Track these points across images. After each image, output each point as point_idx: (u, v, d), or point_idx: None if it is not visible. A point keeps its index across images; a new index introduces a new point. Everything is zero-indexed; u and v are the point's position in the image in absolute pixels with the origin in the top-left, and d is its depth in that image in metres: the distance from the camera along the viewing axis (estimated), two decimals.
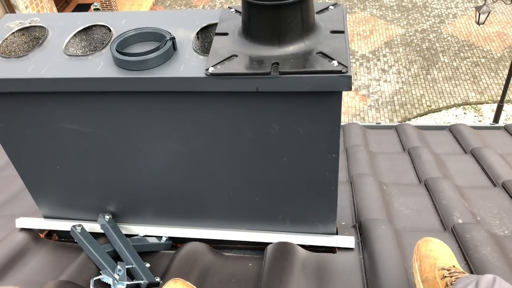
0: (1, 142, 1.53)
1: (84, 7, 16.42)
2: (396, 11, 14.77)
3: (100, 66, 1.32)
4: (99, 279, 1.49)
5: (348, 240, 1.63)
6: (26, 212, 1.94)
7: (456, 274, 1.15)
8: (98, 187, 1.64)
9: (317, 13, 1.39)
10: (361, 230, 1.73)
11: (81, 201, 1.70)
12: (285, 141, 1.40)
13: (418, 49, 13.26)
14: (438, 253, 1.27)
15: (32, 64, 1.35)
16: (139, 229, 1.71)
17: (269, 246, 1.63)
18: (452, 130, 2.89)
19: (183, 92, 1.31)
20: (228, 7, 1.50)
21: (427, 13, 14.57)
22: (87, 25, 1.49)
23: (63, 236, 1.80)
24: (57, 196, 1.69)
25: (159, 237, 1.71)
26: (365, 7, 14.98)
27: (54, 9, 15.76)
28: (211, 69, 1.25)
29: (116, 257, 1.60)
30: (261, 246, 1.67)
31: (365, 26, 14.08)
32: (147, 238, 1.69)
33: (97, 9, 15.21)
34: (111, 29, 1.47)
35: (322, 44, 1.28)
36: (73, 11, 16.39)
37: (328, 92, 1.25)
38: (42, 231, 1.79)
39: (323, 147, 1.39)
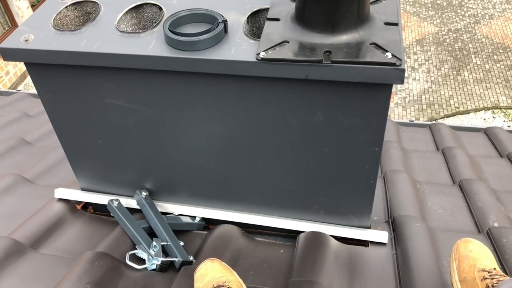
0: (48, 112, 1.56)
1: None
2: (430, 8, 14.46)
3: (152, 44, 1.33)
4: (134, 253, 1.52)
5: (381, 235, 1.62)
6: (62, 184, 1.99)
7: (498, 276, 1.13)
8: (137, 163, 1.66)
9: (371, 3, 1.37)
10: (394, 226, 1.72)
11: (119, 176, 1.73)
12: (328, 131, 1.39)
13: (450, 49, 12.98)
14: (478, 254, 1.26)
15: (85, 38, 1.37)
16: (174, 208, 1.73)
17: (302, 235, 1.63)
18: (488, 132, 2.84)
19: (231, 75, 1.31)
20: None
21: (462, 13, 14.22)
22: (139, 3, 1.50)
23: (99, 209, 1.84)
24: (97, 169, 1.72)
25: (193, 217, 1.73)
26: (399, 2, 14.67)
27: None
28: (262, 54, 1.25)
29: (151, 234, 1.63)
30: (292, 234, 1.67)
31: None
32: (181, 217, 1.72)
33: None
34: (163, 8, 1.48)
35: (376, 35, 1.26)
36: None
37: (379, 84, 1.24)
38: (79, 202, 1.83)
39: (367, 140, 1.38)
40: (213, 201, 1.71)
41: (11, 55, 1.38)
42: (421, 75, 12.18)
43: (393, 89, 11.71)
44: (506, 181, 2.19)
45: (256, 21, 1.49)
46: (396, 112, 11.33)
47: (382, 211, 1.87)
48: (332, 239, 1.62)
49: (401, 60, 1.18)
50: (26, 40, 1.38)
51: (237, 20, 1.41)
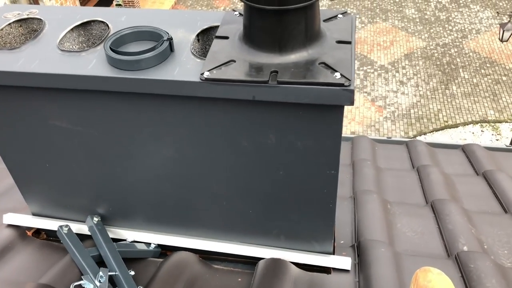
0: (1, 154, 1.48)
1: (107, 2, 16.56)
2: (418, 23, 14.59)
3: (92, 63, 1.26)
4: (79, 284, 1.43)
5: (344, 261, 1.55)
6: (17, 208, 1.89)
7: None
8: (87, 187, 1.58)
9: (324, 21, 1.32)
10: (359, 250, 1.64)
11: (70, 200, 1.64)
12: (282, 153, 1.32)
13: (438, 63, 13.06)
14: (437, 285, 1.18)
15: (23, 57, 1.30)
16: (128, 234, 1.65)
17: (261, 262, 1.55)
18: (465, 149, 2.78)
19: (176, 96, 1.24)
20: (232, 10, 1.43)
21: (450, 27, 14.36)
22: (85, 20, 1.44)
23: (52, 235, 1.75)
24: (46, 194, 1.64)
25: (148, 244, 1.64)
26: (387, 17, 14.83)
27: (77, 2, 15.93)
28: (206, 74, 1.18)
29: (101, 262, 1.54)
30: (253, 261, 1.59)
31: (386, 37, 13.94)
32: (135, 244, 1.63)
33: (119, 5, 15.33)
34: (109, 25, 1.41)
35: (326, 54, 1.20)
36: (95, 5, 16.54)
37: (329, 105, 1.17)
38: (29, 228, 1.74)
39: (322, 162, 1.31)
40: (169, 226, 1.63)
41: None
42: (409, 89, 12.21)
43: (382, 103, 11.73)
44: (480, 201, 2.13)
45: (209, 39, 1.43)
46: (385, 126, 11.32)
47: (350, 234, 1.80)
48: (293, 266, 1.54)
49: (350, 80, 1.12)
50: None
51: (186, 38, 1.35)
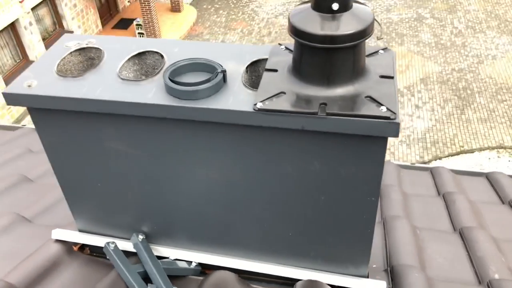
0: (48, 155, 1.58)
1: (127, 22, 16.98)
2: (434, 48, 14.69)
3: (152, 92, 1.36)
4: None
5: (379, 285, 1.60)
6: (61, 223, 1.98)
7: None
8: (134, 206, 1.67)
9: (367, 56, 1.41)
10: (393, 275, 1.70)
11: (117, 218, 1.73)
12: (324, 180, 1.40)
13: (454, 88, 13.10)
14: None
15: (87, 85, 1.40)
16: (170, 252, 1.72)
17: (298, 283, 1.61)
18: (489, 177, 2.82)
19: (229, 124, 1.33)
20: (279, 44, 1.53)
21: (466, 53, 14.42)
22: (141, 51, 1.54)
23: (95, 251, 1.83)
24: (95, 211, 1.73)
25: (189, 262, 1.71)
26: (403, 42, 14.96)
27: (99, 21, 16.36)
28: (259, 105, 1.27)
29: (147, 279, 1.62)
30: (289, 282, 1.65)
31: (402, 61, 14.04)
32: (177, 262, 1.70)
33: (139, 25, 15.69)
34: (164, 56, 1.52)
35: (371, 88, 1.29)
36: (116, 24, 16.97)
37: (374, 136, 1.25)
38: (75, 244, 1.82)
39: (363, 189, 1.38)
40: (210, 246, 1.70)
41: (14, 100, 1.41)
42: (425, 114, 12.25)
43: None
44: (507, 229, 2.17)
45: (255, 70, 1.52)
46: (401, 150, 11.33)
47: (382, 258, 1.85)
48: None
49: (395, 113, 1.20)
50: (29, 86, 1.41)
51: (236, 69, 1.44)
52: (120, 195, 1.64)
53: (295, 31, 1.26)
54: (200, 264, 1.72)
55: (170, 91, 1.34)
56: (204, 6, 18.11)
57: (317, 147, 1.33)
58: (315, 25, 1.23)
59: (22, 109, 13.38)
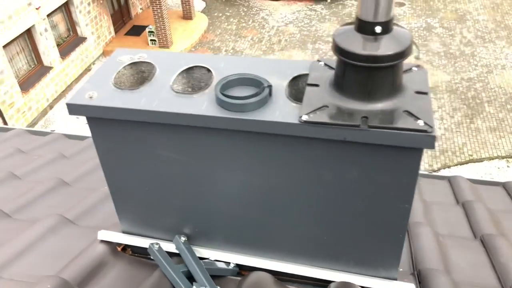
0: (101, 160, 1.70)
1: (139, 28, 17.20)
2: (443, 57, 14.77)
3: (204, 104, 1.48)
4: None
5: (408, 287, 1.70)
6: (102, 225, 2.10)
7: None
8: (178, 210, 1.78)
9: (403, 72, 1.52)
10: (420, 278, 1.80)
11: (160, 221, 1.84)
12: (361, 187, 1.51)
13: (463, 97, 13.17)
14: None
15: (144, 97, 1.52)
16: (210, 253, 1.83)
17: (332, 285, 1.71)
18: (506, 187, 2.92)
19: (274, 134, 1.44)
20: (317, 60, 1.64)
21: (475, 62, 14.49)
22: (190, 65, 1.67)
23: (137, 252, 1.94)
24: (140, 214, 1.84)
25: (227, 263, 1.82)
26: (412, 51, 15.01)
27: (112, 28, 16.59)
28: (304, 117, 1.39)
29: (190, 278, 1.72)
30: (322, 283, 1.75)
31: None
32: (217, 262, 1.81)
33: (152, 32, 15.90)
34: (211, 70, 1.64)
35: (408, 103, 1.40)
36: (129, 31, 17.19)
37: (411, 148, 1.36)
38: (119, 244, 1.94)
39: (398, 197, 1.49)
40: (248, 248, 1.81)
41: (76, 110, 1.53)
42: (434, 122, 12.32)
43: None
44: None
45: (295, 84, 1.64)
46: None
47: (407, 263, 1.95)
48: None
49: (432, 127, 1.31)
50: (90, 97, 1.54)
51: (279, 84, 1.56)
52: (165, 199, 1.76)
53: (339, 50, 1.38)
54: (237, 265, 1.83)
55: (221, 104, 1.46)
56: (215, 14, 18.33)
57: (357, 156, 1.44)
58: (359, 45, 1.34)
59: (36, 113, 13.61)
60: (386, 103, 1.40)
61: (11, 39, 12.60)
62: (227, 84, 1.54)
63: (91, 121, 1.59)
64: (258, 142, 1.50)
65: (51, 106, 14.19)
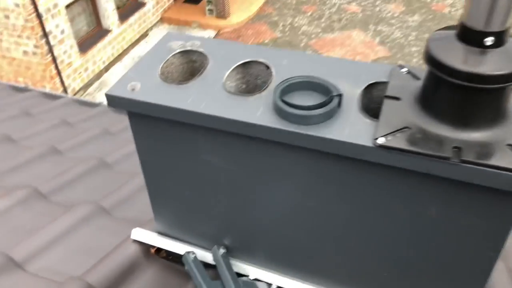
0: (140, 156, 1.53)
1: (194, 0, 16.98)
2: None
3: (259, 111, 1.26)
4: None
5: None
6: (139, 217, 1.96)
7: None
8: (219, 219, 1.60)
9: None
10: None
11: (199, 228, 1.67)
12: (439, 227, 1.25)
13: None
14: None
15: (191, 95, 1.32)
16: (250, 270, 1.64)
17: None
18: None
19: (339, 155, 1.20)
20: (398, 66, 1.37)
21: None
22: (247, 60, 1.44)
23: (172, 255, 1.79)
24: (178, 218, 1.67)
25: (269, 284, 1.63)
26: None
27: None
28: (381, 140, 1.13)
29: None
30: None
31: None
32: (256, 282, 1.62)
33: (210, 2, 15.70)
34: (271, 68, 1.40)
35: None
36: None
37: (509, 191, 1.09)
38: (153, 246, 1.78)
39: (484, 243, 1.22)
40: (293, 270, 1.61)
41: (116, 102, 1.36)
42: None
43: None
44: None
45: (368, 92, 1.38)
46: None
47: None
48: None
49: None
50: (132, 89, 1.35)
51: (351, 92, 1.31)
52: (206, 206, 1.57)
53: (433, 61, 1.10)
54: None
55: (280, 112, 1.23)
56: None
57: (438, 193, 1.18)
58: (460, 59, 1.06)
59: (92, 75, 13.90)
60: (486, 133, 1.12)
61: (74, 0, 12.79)
62: (289, 88, 1.30)
63: (131, 115, 1.41)
64: (319, 161, 1.26)
65: (106, 69, 14.43)
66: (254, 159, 1.35)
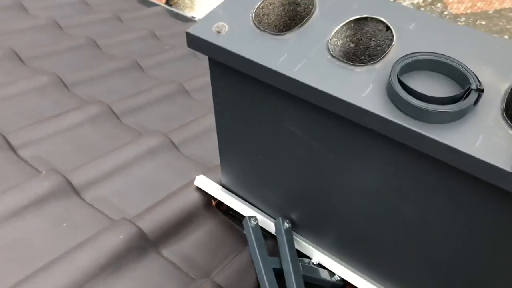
0: (215, 107, 1.34)
1: None
2: None
3: (367, 89, 0.98)
4: None
5: None
6: (206, 157, 1.84)
7: None
8: (290, 192, 1.40)
9: None
10: None
11: (266, 194, 1.49)
12: None
13: None
14: None
15: (285, 53, 1.06)
16: (315, 253, 1.46)
17: None
18: None
19: (459, 170, 0.92)
20: None
21: None
22: (364, 16, 1.13)
23: (233, 211, 1.64)
24: (246, 178, 1.50)
25: (332, 273, 1.44)
26: None
27: None
28: None
29: (279, 275, 1.39)
30: None
31: None
32: (319, 269, 1.44)
33: None
34: (393, 31, 1.09)
35: None
36: None
37: None
38: (215, 198, 1.64)
39: None
40: (359, 263, 1.40)
41: (196, 44, 1.14)
42: None
43: None
44: None
45: None
46: None
47: None
48: None
49: None
50: (218, 32, 1.12)
51: (494, 85, 0.98)
52: (278, 175, 1.37)
53: None
54: (343, 280, 1.44)
55: (393, 98, 0.95)
56: None
57: None
58: None
59: None
60: None
61: None
62: (411, 65, 1.00)
63: (212, 62, 1.20)
64: (429, 168, 0.99)
65: None
66: (347, 142, 1.10)
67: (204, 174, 1.64)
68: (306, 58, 1.05)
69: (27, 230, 1.30)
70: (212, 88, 1.28)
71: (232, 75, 1.17)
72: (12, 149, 1.62)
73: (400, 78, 0.95)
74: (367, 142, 1.06)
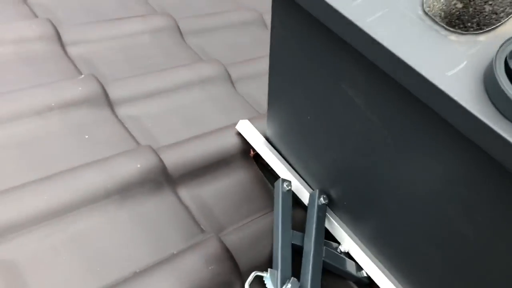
0: (271, 50, 1.13)
1: None
2: None
3: (456, 68, 0.72)
4: (261, 276, 1.14)
5: None
6: (257, 98, 1.66)
7: None
8: (336, 166, 1.19)
9: None
10: None
11: (308, 161, 1.29)
12: None
13: None
14: None
15: (368, 3, 0.81)
16: (346, 239, 1.26)
17: None
18: None
19: None
20: None
21: None
22: None
23: (271, 167, 1.47)
24: (290, 137, 1.31)
25: (359, 268, 1.25)
26: None
27: None
28: None
29: (297, 252, 1.21)
30: None
31: None
32: (345, 258, 1.25)
33: None
34: None
35: None
36: None
37: None
38: (254, 149, 1.47)
39: None
40: (397, 269, 1.19)
41: None
42: None
43: None
44: None
45: None
46: None
47: None
48: None
49: None
50: None
51: None
52: (325, 144, 1.17)
53: None
54: (369, 280, 1.25)
55: (490, 89, 0.69)
56: None
57: None
58: None
59: None
60: None
61: None
62: None
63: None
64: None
65: None
66: (414, 128, 0.86)
67: (250, 120, 1.46)
68: (388, 8, 0.79)
69: (46, 133, 1.22)
70: (271, 28, 1.07)
71: (297, 15, 0.95)
72: (62, 44, 1.53)
73: (510, 64, 0.68)
74: (439, 135, 0.82)
